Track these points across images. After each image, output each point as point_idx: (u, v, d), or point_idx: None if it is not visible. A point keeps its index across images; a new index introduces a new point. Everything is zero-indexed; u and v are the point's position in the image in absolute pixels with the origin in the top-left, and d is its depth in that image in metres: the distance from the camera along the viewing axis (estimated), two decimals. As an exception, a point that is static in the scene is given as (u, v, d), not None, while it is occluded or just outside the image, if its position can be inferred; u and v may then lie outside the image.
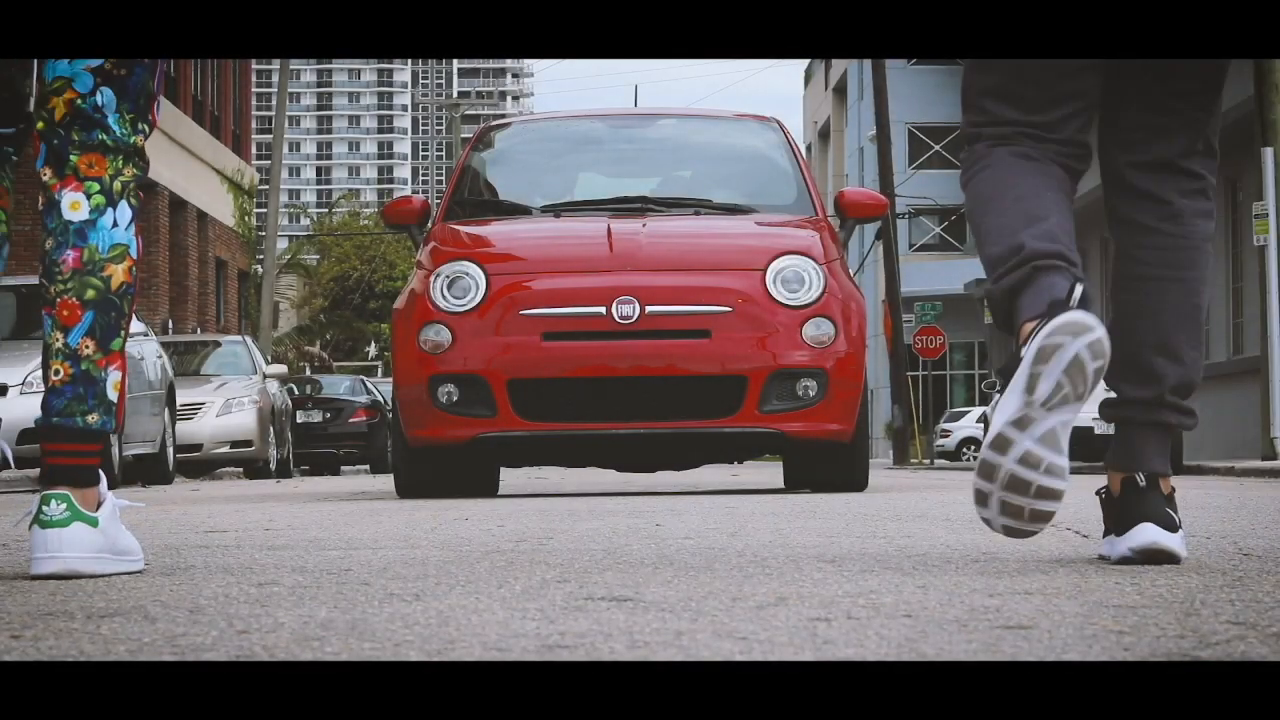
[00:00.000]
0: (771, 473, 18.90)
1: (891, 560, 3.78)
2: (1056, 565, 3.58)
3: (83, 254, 3.52)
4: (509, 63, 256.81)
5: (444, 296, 9.80)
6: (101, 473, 3.53)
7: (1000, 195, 3.62)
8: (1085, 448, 25.71)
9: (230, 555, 4.24)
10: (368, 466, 32.75)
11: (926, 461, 40.72)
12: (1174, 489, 3.66)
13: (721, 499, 8.81)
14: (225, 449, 23.37)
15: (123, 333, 3.58)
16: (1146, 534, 3.52)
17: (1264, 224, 22.90)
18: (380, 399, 32.93)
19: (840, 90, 70.73)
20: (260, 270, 43.93)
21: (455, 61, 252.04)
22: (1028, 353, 3.33)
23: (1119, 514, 3.59)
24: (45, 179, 3.59)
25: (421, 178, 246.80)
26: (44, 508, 3.44)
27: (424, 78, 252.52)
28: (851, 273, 10.45)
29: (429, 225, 10.68)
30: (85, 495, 3.45)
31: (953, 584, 3.15)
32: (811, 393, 9.71)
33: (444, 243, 10.17)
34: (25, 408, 15.79)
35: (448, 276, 9.83)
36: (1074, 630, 2.40)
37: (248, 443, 23.41)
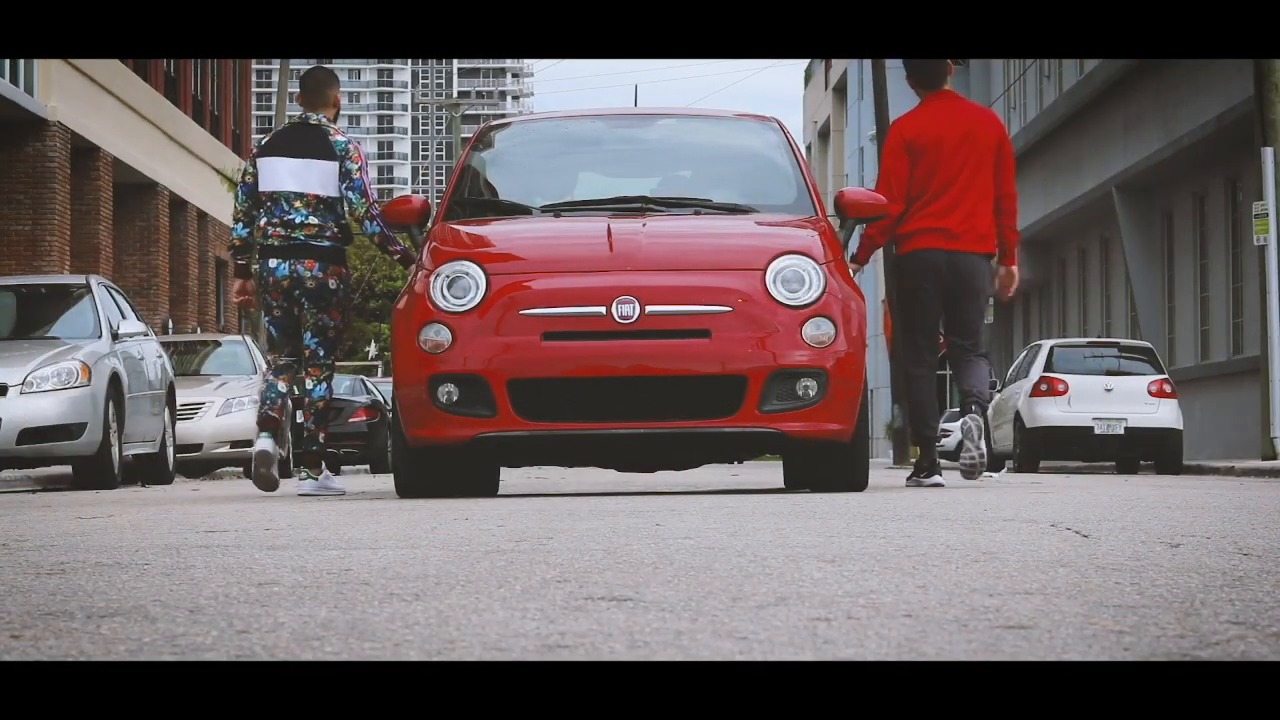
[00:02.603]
0: (771, 473, 18.90)
1: (891, 560, 3.78)
2: (1056, 565, 3.58)
3: (309, 401, 11.12)
4: (509, 63, 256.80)
5: (444, 296, 9.79)
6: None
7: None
8: (1084, 447, 25.74)
9: (230, 555, 4.24)
10: (368, 466, 32.76)
11: (926, 461, 40.65)
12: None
13: (721, 499, 8.80)
14: (225, 449, 23.39)
15: (325, 419, 11.13)
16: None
17: (1264, 224, 22.91)
18: (380, 399, 32.92)
19: (840, 90, 70.74)
20: (260, 270, 43.87)
21: (455, 61, 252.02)
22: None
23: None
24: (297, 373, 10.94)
25: (421, 178, 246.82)
26: (298, 473, 10.86)
27: (424, 78, 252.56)
28: (851, 273, 10.46)
29: (429, 225, 10.68)
30: (314, 471, 10.91)
31: (953, 584, 3.15)
32: (811, 393, 9.71)
33: (444, 242, 10.17)
34: (25, 408, 15.75)
35: (448, 276, 9.83)
36: (1074, 630, 2.40)
37: (248, 442, 23.38)
